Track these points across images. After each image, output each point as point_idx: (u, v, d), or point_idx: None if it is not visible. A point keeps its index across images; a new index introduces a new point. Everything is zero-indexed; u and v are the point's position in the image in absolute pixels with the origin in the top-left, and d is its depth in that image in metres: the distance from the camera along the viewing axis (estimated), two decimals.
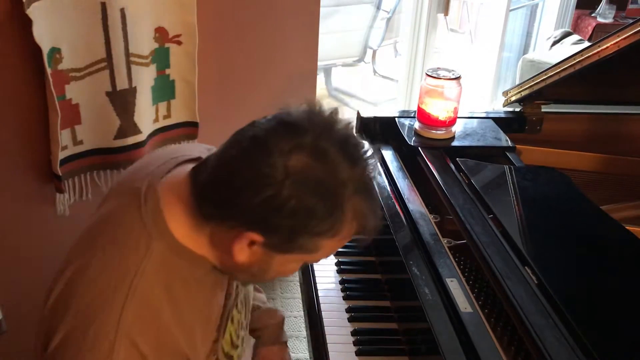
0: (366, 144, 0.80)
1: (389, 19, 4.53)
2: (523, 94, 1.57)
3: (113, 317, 0.76)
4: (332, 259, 1.44)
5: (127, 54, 1.47)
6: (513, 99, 1.60)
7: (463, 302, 0.99)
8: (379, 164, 1.44)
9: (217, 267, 0.85)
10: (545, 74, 1.47)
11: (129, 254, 0.79)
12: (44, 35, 1.31)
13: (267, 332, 1.23)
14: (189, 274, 0.83)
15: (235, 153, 0.76)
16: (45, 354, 0.80)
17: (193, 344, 0.85)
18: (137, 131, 1.57)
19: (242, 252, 0.79)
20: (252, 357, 1.22)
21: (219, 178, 0.77)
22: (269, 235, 0.76)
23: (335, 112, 0.78)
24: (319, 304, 1.31)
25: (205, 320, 0.89)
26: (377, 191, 0.81)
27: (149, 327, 0.79)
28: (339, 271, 1.40)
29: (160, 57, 1.60)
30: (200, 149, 0.95)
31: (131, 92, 1.52)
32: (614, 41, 1.28)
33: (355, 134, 0.79)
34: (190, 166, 0.85)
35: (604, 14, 4.32)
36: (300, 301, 1.41)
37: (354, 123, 0.83)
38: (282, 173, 0.71)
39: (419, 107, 1.47)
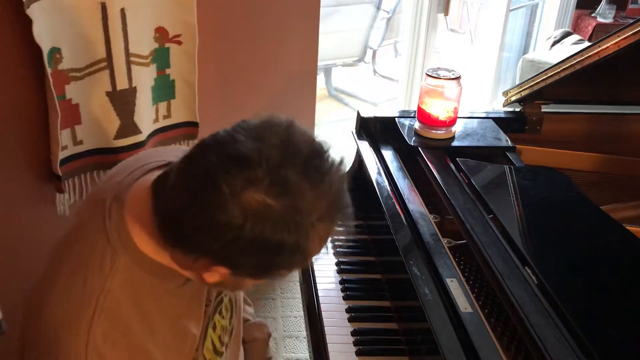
0: (331, 150, 0.74)
1: (389, 19, 4.53)
2: (523, 94, 1.57)
3: (81, 338, 0.74)
4: (332, 259, 1.44)
5: (127, 54, 1.47)
6: (513, 99, 1.60)
7: (463, 302, 0.99)
8: (378, 163, 1.44)
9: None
10: (545, 74, 1.47)
11: (93, 273, 0.77)
12: (44, 35, 1.31)
13: (254, 346, 1.22)
14: (159, 287, 0.80)
15: (187, 194, 0.70)
16: None
17: (169, 356, 0.83)
18: (137, 131, 1.57)
19: (211, 277, 0.77)
20: None
21: (177, 216, 0.71)
22: (236, 270, 0.74)
23: (289, 126, 0.72)
24: (319, 304, 1.31)
25: (183, 331, 0.86)
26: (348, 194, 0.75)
27: (120, 344, 0.76)
28: (339, 271, 1.40)
29: (160, 57, 1.59)
30: (177, 153, 0.83)
31: (131, 92, 1.52)
32: (614, 41, 1.28)
33: (316, 145, 0.72)
34: (157, 174, 0.80)
35: (604, 14, 4.33)
36: (300, 301, 1.41)
37: (315, 133, 0.76)
38: (239, 217, 0.66)
39: (419, 107, 1.47)
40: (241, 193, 0.66)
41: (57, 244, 0.85)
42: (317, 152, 0.72)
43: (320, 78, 4.40)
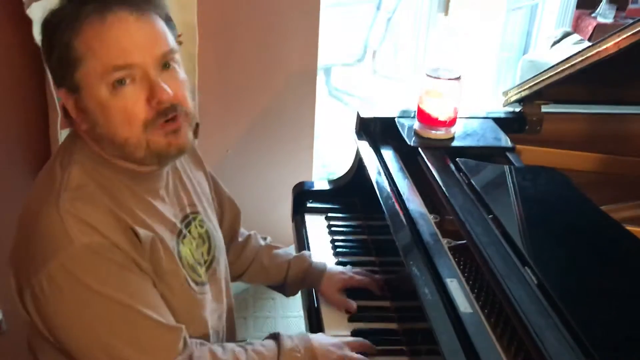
0: None
1: (389, 19, 4.53)
2: (523, 94, 1.56)
3: (52, 206, 0.88)
4: (332, 259, 1.44)
5: None
6: (513, 99, 1.60)
7: (463, 302, 0.99)
8: (378, 163, 1.44)
9: (120, 164, 0.96)
10: (545, 74, 1.47)
11: (55, 173, 0.93)
12: None
13: (312, 273, 1.33)
14: (114, 177, 0.95)
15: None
16: (25, 288, 0.94)
17: (148, 226, 0.95)
18: None
19: (75, 114, 0.93)
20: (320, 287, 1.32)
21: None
22: (55, 78, 0.94)
23: None
24: (319, 304, 1.31)
25: (154, 210, 0.99)
26: None
27: (91, 206, 0.90)
28: None
29: None
30: None
31: None
32: (614, 41, 1.28)
33: None
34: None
35: (604, 14, 4.32)
36: (300, 301, 1.41)
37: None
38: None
39: (418, 107, 1.47)
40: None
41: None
42: None
43: (320, 78, 4.40)
